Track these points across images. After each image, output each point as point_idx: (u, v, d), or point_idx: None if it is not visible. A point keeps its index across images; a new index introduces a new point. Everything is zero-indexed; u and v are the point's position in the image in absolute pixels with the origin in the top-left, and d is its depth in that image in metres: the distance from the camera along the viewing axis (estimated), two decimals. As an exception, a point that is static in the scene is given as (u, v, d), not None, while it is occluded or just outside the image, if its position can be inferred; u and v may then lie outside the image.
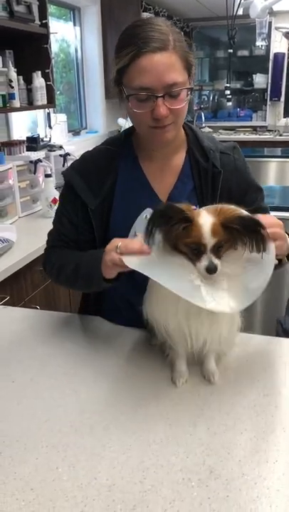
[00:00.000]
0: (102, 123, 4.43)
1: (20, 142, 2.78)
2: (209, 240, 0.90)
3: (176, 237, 0.92)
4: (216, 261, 0.91)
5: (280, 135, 6.07)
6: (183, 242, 0.92)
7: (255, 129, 6.33)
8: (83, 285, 1.19)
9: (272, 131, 6.19)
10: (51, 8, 3.69)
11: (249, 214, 0.93)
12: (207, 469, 0.81)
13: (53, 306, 2.33)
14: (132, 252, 0.98)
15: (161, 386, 1.04)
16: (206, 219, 0.91)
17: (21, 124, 3.25)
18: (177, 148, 1.23)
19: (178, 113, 1.09)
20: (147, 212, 1.04)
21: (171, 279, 0.93)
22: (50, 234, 1.33)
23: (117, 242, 1.02)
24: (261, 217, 0.96)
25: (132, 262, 0.98)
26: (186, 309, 0.95)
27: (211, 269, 0.90)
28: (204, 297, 0.92)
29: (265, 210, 1.27)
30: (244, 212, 0.94)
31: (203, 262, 0.91)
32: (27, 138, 2.94)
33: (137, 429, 0.91)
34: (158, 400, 0.99)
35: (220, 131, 6.25)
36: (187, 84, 1.08)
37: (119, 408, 0.97)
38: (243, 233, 0.91)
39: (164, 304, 0.97)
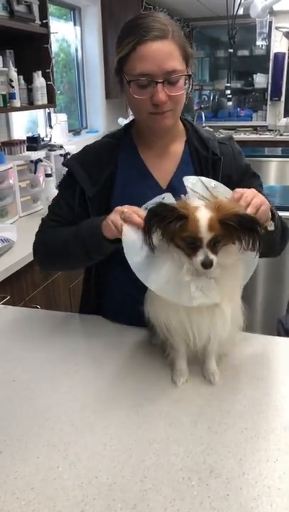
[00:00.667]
0: (102, 123, 4.43)
1: (20, 142, 2.78)
2: (206, 235, 0.90)
3: (174, 233, 0.92)
4: (212, 256, 0.91)
5: (281, 135, 6.07)
6: (180, 237, 0.92)
7: (255, 129, 6.33)
8: (80, 249, 1.14)
9: (272, 130, 6.19)
10: (51, 8, 3.69)
11: (247, 213, 0.94)
12: (207, 468, 0.81)
13: (53, 305, 2.33)
14: (132, 222, 1.00)
15: (162, 385, 1.04)
16: (203, 214, 0.91)
17: (22, 124, 3.25)
18: (176, 137, 1.26)
19: (176, 100, 1.12)
20: (166, 195, 1.03)
21: (158, 278, 0.95)
22: (43, 219, 1.32)
23: (127, 208, 1.03)
24: (238, 191, 1.00)
25: (129, 237, 1.00)
26: (181, 307, 0.96)
27: (207, 264, 0.90)
28: (192, 293, 0.93)
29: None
30: (242, 209, 0.95)
31: (199, 257, 0.91)
32: (27, 138, 2.94)
33: (137, 428, 0.91)
34: (159, 399, 1.00)
35: (220, 130, 6.24)
36: (185, 73, 1.12)
37: (119, 407, 0.97)
38: (239, 230, 0.91)
39: (165, 301, 0.98)
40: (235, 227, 0.90)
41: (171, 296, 0.95)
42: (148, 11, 4.67)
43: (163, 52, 1.06)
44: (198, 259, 0.91)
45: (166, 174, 1.24)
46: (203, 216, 0.90)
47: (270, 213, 1.10)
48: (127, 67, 1.10)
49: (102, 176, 1.23)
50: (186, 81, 1.13)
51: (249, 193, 1.01)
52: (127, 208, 1.03)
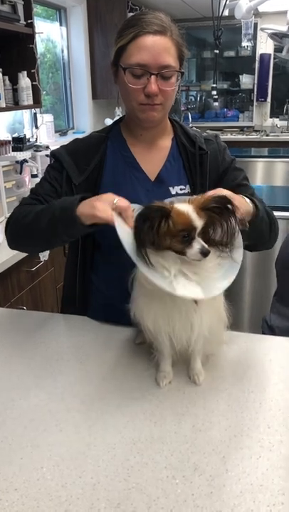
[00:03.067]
0: (88, 123, 4.42)
1: (6, 142, 2.75)
2: (198, 223, 0.91)
3: (165, 234, 0.91)
4: (206, 245, 0.92)
5: (267, 135, 6.11)
6: (172, 233, 0.91)
7: (242, 130, 6.36)
8: (49, 224, 1.10)
9: (258, 131, 6.23)
10: (37, 8, 3.67)
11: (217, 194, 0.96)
12: (191, 466, 0.82)
13: (39, 306, 2.33)
14: (126, 214, 0.99)
15: (147, 385, 1.04)
16: (185, 207, 0.92)
17: (7, 124, 3.23)
18: (163, 132, 1.29)
19: (167, 95, 1.16)
20: (135, 206, 1.02)
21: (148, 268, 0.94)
22: (24, 198, 1.28)
23: (118, 199, 1.01)
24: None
25: (123, 227, 0.98)
26: (161, 309, 0.97)
27: (205, 252, 0.91)
28: (175, 286, 0.92)
29: (247, 188, 1.29)
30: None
31: (196, 247, 0.91)
32: (13, 138, 2.92)
33: (121, 427, 0.91)
34: (143, 399, 1.00)
35: (207, 131, 6.21)
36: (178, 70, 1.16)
37: (104, 407, 0.97)
38: (220, 212, 0.93)
39: (143, 303, 0.99)
40: (219, 207, 0.93)
41: (158, 281, 0.91)
42: (134, 11, 4.68)
43: (160, 46, 1.11)
44: (195, 249, 0.91)
45: (155, 167, 1.26)
46: (188, 208, 0.92)
47: (251, 207, 1.11)
48: (124, 56, 1.14)
49: (90, 164, 1.24)
50: (179, 78, 1.17)
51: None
52: (118, 200, 1.00)
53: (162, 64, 1.11)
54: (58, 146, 1.31)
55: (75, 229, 1.07)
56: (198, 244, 0.91)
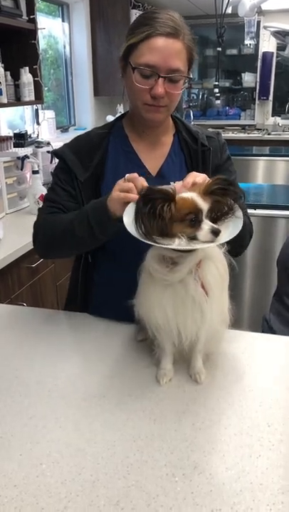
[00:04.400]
0: (90, 120, 4.41)
1: (7, 138, 2.75)
2: (204, 206, 0.92)
3: (171, 220, 0.90)
4: (214, 225, 0.92)
5: (269, 134, 6.10)
6: (179, 219, 0.91)
7: (243, 128, 6.35)
8: (84, 227, 1.11)
9: (260, 129, 6.22)
10: (40, 4, 3.66)
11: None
12: (191, 464, 0.82)
13: (40, 303, 2.32)
14: (136, 183, 1.01)
15: (147, 382, 1.04)
16: (189, 193, 0.93)
17: (8, 120, 3.23)
18: (166, 129, 1.30)
19: (173, 98, 1.17)
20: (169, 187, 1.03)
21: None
22: (41, 209, 1.29)
23: (127, 176, 1.05)
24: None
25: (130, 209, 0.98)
26: (172, 302, 0.96)
27: (215, 231, 0.91)
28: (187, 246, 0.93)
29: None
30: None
31: (206, 227, 0.91)
32: (14, 134, 2.92)
33: (121, 425, 0.91)
34: (143, 396, 1.00)
35: (209, 129, 6.23)
36: (187, 75, 1.17)
37: (104, 404, 0.97)
38: (223, 193, 0.94)
39: (152, 298, 0.98)
40: (222, 188, 0.94)
41: (174, 246, 0.91)
42: (137, 9, 4.67)
43: (172, 49, 1.10)
44: (205, 230, 0.91)
45: (156, 162, 1.27)
46: (192, 193, 0.93)
47: None
48: (134, 54, 1.13)
49: (93, 161, 1.24)
50: (186, 82, 1.17)
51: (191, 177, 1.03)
52: (128, 175, 1.04)
53: (172, 67, 1.11)
54: (60, 144, 1.31)
55: (110, 224, 1.07)
56: (207, 225, 0.92)
